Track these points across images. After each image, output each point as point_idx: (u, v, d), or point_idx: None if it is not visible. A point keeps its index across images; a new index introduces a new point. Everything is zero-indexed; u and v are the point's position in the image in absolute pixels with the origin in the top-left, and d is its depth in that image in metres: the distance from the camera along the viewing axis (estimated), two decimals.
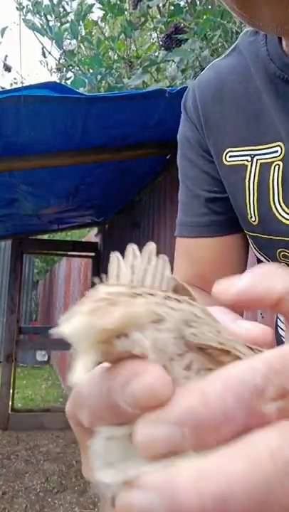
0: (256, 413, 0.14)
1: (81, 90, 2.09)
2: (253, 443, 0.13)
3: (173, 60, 2.06)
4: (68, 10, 2.60)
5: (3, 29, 2.49)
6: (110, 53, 2.55)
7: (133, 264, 0.18)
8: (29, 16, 2.45)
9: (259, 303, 0.18)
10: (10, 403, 4.16)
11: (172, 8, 2.11)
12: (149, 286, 0.17)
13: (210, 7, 1.92)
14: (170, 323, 0.15)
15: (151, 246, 0.18)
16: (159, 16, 2.40)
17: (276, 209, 0.48)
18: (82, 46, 2.68)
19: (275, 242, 0.50)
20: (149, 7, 2.19)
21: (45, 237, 5.36)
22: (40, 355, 8.54)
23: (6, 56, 3.39)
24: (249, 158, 0.50)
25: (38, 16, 2.43)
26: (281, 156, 0.47)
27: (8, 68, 3.36)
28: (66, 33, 2.46)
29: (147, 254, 0.18)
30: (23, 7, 2.42)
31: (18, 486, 2.92)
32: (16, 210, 3.13)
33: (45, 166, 2.14)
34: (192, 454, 0.13)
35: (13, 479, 3.02)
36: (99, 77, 2.21)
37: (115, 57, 2.54)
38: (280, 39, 0.49)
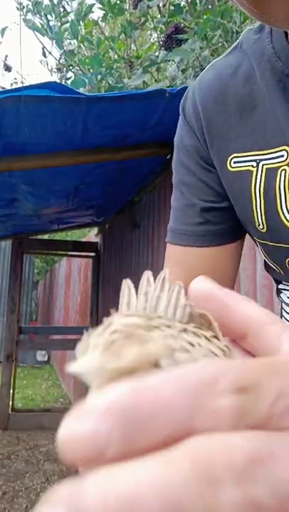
0: (203, 409, 0.11)
1: (81, 90, 2.09)
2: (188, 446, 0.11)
3: (173, 60, 2.06)
4: (68, 10, 2.60)
5: (4, 29, 2.49)
6: (110, 53, 2.55)
7: (147, 291, 0.17)
8: (29, 16, 2.45)
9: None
10: (10, 403, 4.16)
11: (172, 8, 2.11)
12: (164, 316, 0.16)
13: (210, 7, 1.92)
14: (186, 360, 0.14)
15: (164, 273, 0.18)
16: (159, 16, 2.40)
17: (284, 216, 0.46)
18: (82, 46, 2.68)
19: (284, 250, 0.48)
20: (149, 7, 2.19)
21: (46, 237, 5.36)
22: (41, 355, 8.54)
23: (6, 56, 3.39)
24: (255, 164, 0.48)
25: (38, 15, 2.43)
26: (287, 161, 0.45)
27: (8, 68, 3.36)
28: (66, 32, 2.46)
29: (161, 281, 0.18)
30: (24, 7, 2.42)
31: (19, 486, 2.93)
32: (16, 210, 3.13)
33: (46, 166, 2.14)
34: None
35: (14, 479, 3.02)
36: (99, 77, 2.21)
37: (115, 57, 2.54)
38: (286, 36, 0.47)
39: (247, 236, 0.57)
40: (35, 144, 1.97)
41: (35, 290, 11.84)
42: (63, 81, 2.71)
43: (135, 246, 3.10)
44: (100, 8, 2.39)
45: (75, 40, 2.49)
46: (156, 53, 2.30)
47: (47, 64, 3.03)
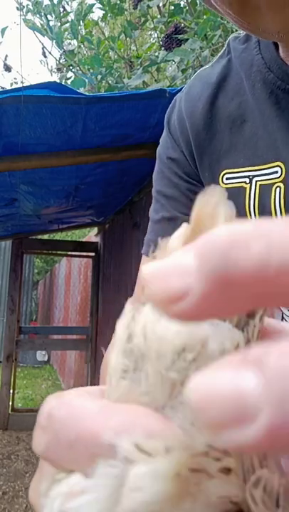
0: None
1: (81, 90, 2.09)
2: None
3: (173, 60, 2.06)
4: (68, 10, 2.60)
5: (4, 29, 2.49)
6: (110, 53, 2.55)
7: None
8: (29, 16, 2.45)
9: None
10: (10, 403, 4.16)
11: (172, 8, 2.11)
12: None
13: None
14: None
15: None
16: (159, 16, 2.40)
17: None
18: (82, 46, 2.68)
19: None
20: (149, 7, 2.19)
21: (46, 237, 5.36)
22: (41, 355, 8.54)
23: (6, 56, 3.39)
24: (247, 180, 0.46)
25: (38, 15, 2.43)
26: (282, 178, 0.43)
27: (8, 68, 3.36)
28: (66, 32, 2.46)
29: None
30: (24, 7, 2.42)
31: (19, 486, 2.92)
32: (16, 210, 3.13)
33: (46, 166, 2.14)
34: None
35: (14, 479, 3.02)
36: (99, 77, 2.21)
37: (115, 57, 2.54)
38: (276, 46, 0.45)
39: None
40: (35, 144, 1.97)
41: (35, 290, 11.84)
42: (63, 81, 2.71)
43: (135, 246, 3.10)
44: (100, 8, 2.40)
45: (75, 40, 2.50)
46: (156, 53, 2.30)
47: (47, 64, 3.03)
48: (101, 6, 2.37)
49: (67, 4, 2.61)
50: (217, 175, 0.49)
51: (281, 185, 0.43)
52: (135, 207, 3.19)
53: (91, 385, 4.23)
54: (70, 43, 2.61)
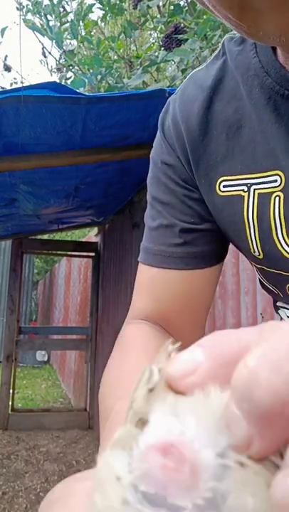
0: None
1: (81, 90, 2.09)
2: None
3: (173, 60, 2.07)
4: (68, 10, 2.60)
5: (3, 29, 2.49)
6: (110, 53, 2.55)
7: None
8: (29, 16, 2.45)
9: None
10: (10, 403, 4.16)
11: (172, 8, 2.11)
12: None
13: None
14: None
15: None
16: (159, 16, 2.40)
17: (281, 245, 0.43)
18: (82, 46, 2.68)
19: (284, 277, 0.46)
20: (149, 7, 2.19)
21: (45, 237, 5.36)
22: (40, 355, 8.54)
23: (6, 56, 3.39)
24: (245, 188, 0.45)
25: (38, 15, 2.43)
26: (281, 187, 0.42)
27: (8, 68, 3.36)
28: (66, 32, 2.46)
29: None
30: (23, 7, 2.42)
31: (18, 486, 2.92)
32: (16, 210, 3.13)
33: (45, 166, 2.14)
34: None
35: (13, 479, 3.02)
36: (99, 77, 2.21)
37: (115, 57, 2.54)
38: (274, 49, 0.43)
39: None
40: (35, 144, 1.97)
41: (35, 290, 11.84)
42: (63, 81, 2.71)
43: (135, 246, 3.10)
44: (100, 8, 2.40)
45: (74, 40, 2.50)
46: (156, 53, 2.30)
47: (47, 64, 3.03)
48: (101, 6, 2.37)
49: (67, 4, 2.61)
50: (214, 182, 0.48)
51: (281, 194, 0.42)
52: (135, 207, 3.19)
53: (91, 385, 4.24)
54: (70, 43, 2.61)
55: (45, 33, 2.44)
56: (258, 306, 1.60)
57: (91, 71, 2.35)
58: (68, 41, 2.61)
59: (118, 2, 2.35)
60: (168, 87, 1.92)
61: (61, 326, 6.83)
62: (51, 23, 2.43)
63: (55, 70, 3.06)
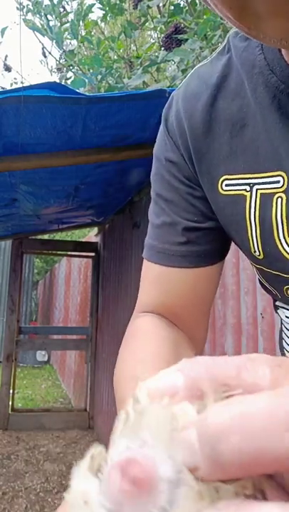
0: None
1: (81, 90, 2.09)
2: None
3: (173, 60, 2.07)
4: (68, 10, 2.60)
5: (4, 29, 2.49)
6: (110, 53, 2.55)
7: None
8: (29, 16, 2.45)
9: None
10: (10, 403, 4.16)
11: (172, 8, 2.11)
12: None
13: None
14: None
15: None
16: (159, 16, 2.40)
17: (282, 247, 0.43)
18: (82, 46, 2.68)
19: (283, 278, 0.46)
20: (149, 7, 2.19)
21: (45, 237, 5.36)
22: (40, 355, 8.54)
23: (6, 56, 3.39)
24: (248, 188, 0.45)
25: (38, 15, 2.43)
26: (284, 188, 0.42)
27: (8, 68, 3.36)
28: (66, 32, 2.46)
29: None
30: (24, 7, 2.42)
31: (18, 486, 2.92)
32: (16, 210, 3.13)
33: (46, 166, 2.14)
34: None
35: (13, 479, 3.02)
36: (99, 77, 2.21)
37: (115, 57, 2.54)
38: None
39: None
40: (35, 144, 1.97)
41: (35, 290, 11.84)
42: (63, 81, 2.71)
43: (135, 246, 3.10)
44: (100, 8, 2.40)
45: (75, 40, 2.50)
46: (156, 53, 2.30)
47: (47, 64, 3.03)
48: (101, 6, 2.37)
49: (67, 4, 2.61)
50: (216, 180, 0.47)
51: (283, 195, 0.42)
52: (135, 207, 3.19)
53: (91, 385, 4.24)
54: (70, 43, 2.61)
55: (45, 33, 2.44)
56: (258, 306, 1.60)
57: (91, 71, 2.35)
58: (68, 41, 2.62)
59: (118, 2, 2.35)
60: (168, 87, 1.92)
61: (61, 326, 6.83)
62: (51, 23, 2.43)
63: (55, 70, 3.06)
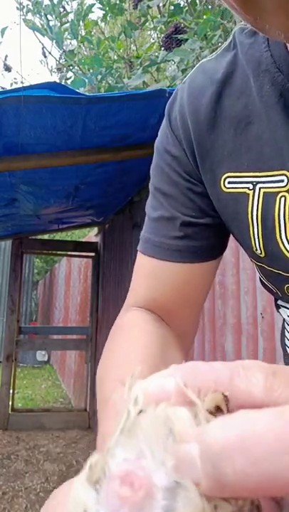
0: None
1: (81, 90, 2.09)
2: None
3: (173, 60, 2.07)
4: (68, 10, 2.60)
5: (4, 29, 2.49)
6: (110, 53, 2.55)
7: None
8: (29, 16, 2.45)
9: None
10: (10, 403, 4.16)
11: (172, 8, 2.10)
12: None
13: (210, 7, 1.92)
14: None
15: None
16: (159, 16, 2.40)
17: (284, 246, 0.43)
18: (82, 46, 2.68)
19: (284, 277, 0.46)
20: (149, 7, 2.19)
21: (46, 237, 5.36)
22: (40, 355, 8.54)
23: (6, 56, 3.39)
24: (251, 186, 0.44)
25: (38, 15, 2.43)
26: (287, 187, 0.42)
27: (8, 68, 3.36)
28: (66, 32, 2.46)
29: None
30: (24, 7, 2.42)
31: (18, 486, 2.92)
32: (16, 210, 3.13)
33: (46, 166, 2.14)
34: None
35: (13, 479, 3.02)
36: (99, 77, 2.21)
37: (115, 57, 2.54)
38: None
39: None
40: (35, 144, 1.97)
41: (35, 290, 11.84)
42: (63, 81, 2.71)
43: (135, 246, 3.09)
44: (100, 8, 2.40)
45: (75, 40, 2.50)
46: (156, 53, 2.30)
47: (47, 64, 3.03)
48: (101, 6, 2.37)
49: (68, 4, 2.61)
50: (219, 178, 0.47)
51: (286, 195, 0.42)
52: (135, 207, 3.19)
53: (91, 385, 4.23)
54: (70, 43, 2.61)
55: (45, 33, 2.44)
56: (258, 306, 1.60)
57: (91, 71, 2.34)
58: (68, 41, 2.61)
59: (118, 2, 2.35)
60: (168, 87, 1.92)
61: (61, 326, 6.83)
62: (51, 23, 2.43)
63: (55, 70, 3.06)
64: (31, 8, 2.41)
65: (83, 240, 5.87)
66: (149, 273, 0.52)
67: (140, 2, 2.20)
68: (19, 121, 1.71)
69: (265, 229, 0.44)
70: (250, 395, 0.16)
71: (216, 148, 0.47)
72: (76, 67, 2.61)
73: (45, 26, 2.43)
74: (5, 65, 3.40)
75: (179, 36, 1.88)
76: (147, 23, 2.45)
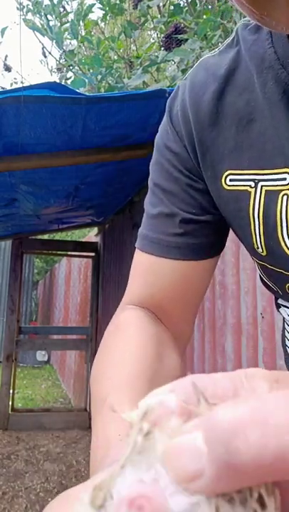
0: None
1: (81, 90, 2.09)
2: None
3: (173, 60, 2.07)
4: (68, 10, 2.60)
5: (4, 29, 2.49)
6: (110, 53, 2.55)
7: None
8: (29, 16, 2.45)
9: None
10: (10, 403, 4.16)
11: (172, 8, 2.10)
12: None
13: (210, 7, 1.92)
14: None
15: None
16: (159, 16, 2.40)
17: (285, 244, 0.43)
18: (82, 46, 2.68)
19: (285, 276, 0.45)
20: (149, 7, 2.19)
21: (45, 237, 5.36)
22: (40, 355, 8.54)
23: (6, 56, 3.39)
24: (253, 184, 0.44)
25: (38, 15, 2.43)
26: None
27: (8, 68, 3.36)
28: (66, 32, 2.46)
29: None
30: (24, 7, 2.42)
31: (18, 486, 2.92)
32: (16, 210, 3.13)
33: (46, 166, 2.14)
34: None
35: (13, 479, 3.02)
36: (99, 77, 2.21)
37: (115, 57, 2.54)
38: None
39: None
40: (35, 144, 1.97)
41: (35, 290, 11.84)
42: (63, 81, 2.71)
43: (135, 246, 3.10)
44: (100, 8, 2.40)
45: (75, 40, 2.50)
46: (156, 53, 2.30)
47: (47, 64, 3.03)
48: (101, 6, 2.37)
49: (68, 4, 2.61)
50: (220, 175, 0.47)
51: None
52: (135, 207, 3.19)
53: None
54: (70, 43, 2.61)
55: (45, 33, 2.44)
56: (258, 306, 1.60)
57: (91, 71, 2.34)
58: (68, 41, 2.61)
59: (118, 2, 2.35)
60: (168, 87, 1.92)
61: (61, 326, 6.83)
62: (51, 23, 2.43)
63: (55, 70, 3.06)
64: (31, 8, 2.41)
65: (83, 239, 5.87)
66: (146, 270, 0.52)
67: (140, 2, 2.20)
68: (19, 121, 1.71)
69: (266, 227, 0.44)
70: None
71: (217, 145, 0.46)
72: (76, 67, 2.61)
73: (45, 26, 2.43)
74: (5, 65, 3.40)
75: (179, 36, 1.88)
76: (147, 23, 2.44)
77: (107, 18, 2.51)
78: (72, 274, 6.36)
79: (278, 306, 0.55)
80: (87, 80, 2.22)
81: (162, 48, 2.04)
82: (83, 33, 2.52)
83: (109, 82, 2.26)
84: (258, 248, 0.46)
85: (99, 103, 1.69)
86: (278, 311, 0.56)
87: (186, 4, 2.04)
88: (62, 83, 2.41)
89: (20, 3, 2.41)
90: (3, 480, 3.00)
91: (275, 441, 0.12)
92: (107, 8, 2.34)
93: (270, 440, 0.12)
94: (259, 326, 1.58)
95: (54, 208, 3.22)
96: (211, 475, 0.13)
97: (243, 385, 0.15)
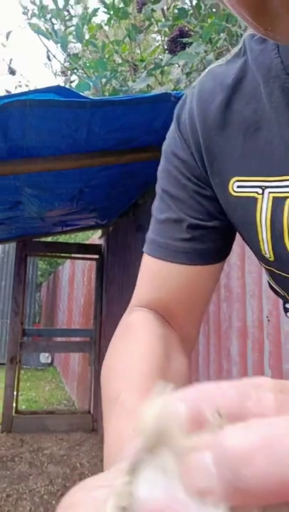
0: None
1: (86, 93, 2.10)
2: None
3: (177, 64, 2.07)
4: (73, 14, 2.61)
5: (9, 33, 2.50)
6: (115, 57, 2.56)
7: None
8: (34, 20, 2.46)
9: None
10: (14, 405, 4.16)
11: (177, 11, 2.11)
12: None
13: (215, 10, 1.92)
14: None
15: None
16: (163, 20, 2.40)
17: None
18: (86, 50, 2.69)
19: None
20: (153, 10, 2.20)
21: (49, 239, 5.38)
22: (44, 358, 8.55)
23: (11, 59, 3.41)
24: (260, 191, 0.45)
25: (43, 19, 2.44)
26: None
27: (13, 71, 3.38)
28: (71, 36, 2.47)
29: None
30: (29, 11, 2.44)
31: (22, 488, 2.92)
32: (20, 212, 3.15)
33: (50, 169, 2.15)
34: None
35: (17, 482, 3.02)
36: (104, 80, 2.22)
37: (120, 60, 2.55)
38: None
39: None
40: (40, 148, 1.98)
41: (39, 292, 11.86)
42: (68, 84, 2.72)
43: (139, 248, 3.10)
44: (105, 12, 2.41)
45: (79, 44, 2.51)
46: (161, 56, 2.30)
47: (51, 67, 3.04)
48: (105, 10, 2.38)
49: (72, 8, 2.62)
50: (227, 182, 0.47)
51: None
52: (139, 209, 3.19)
53: (95, 387, 4.23)
54: (74, 47, 2.62)
55: (50, 37, 2.45)
56: (264, 309, 1.60)
57: (96, 74, 2.35)
58: (73, 45, 2.63)
59: (123, 6, 2.36)
60: (172, 90, 1.92)
61: (65, 328, 6.83)
62: (56, 27, 2.44)
63: (60, 74, 3.08)
64: (36, 12, 2.42)
65: (87, 242, 5.88)
66: (154, 274, 0.53)
67: (144, 6, 2.21)
68: (24, 125, 1.72)
69: (273, 233, 0.44)
70: (263, 418, 0.15)
71: (224, 153, 0.47)
72: (81, 71, 2.62)
73: (50, 30, 2.44)
74: (9, 68, 3.42)
75: (184, 40, 1.88)
76: (152, 27, 2.45)
77: (112, 21, 2.52)
78: (76, 276, 6.37)
79: (286, 310, 0.55)
80: (91, 83, 2.23)
81: (167, 52, 2.05)
82: (88, 37, 2.53)
83: (114, 85, 2.26)
84: (265, 254, 0.46)
85: (103, 107, 1.69)
86: (286, 315, 0.56)
87: (190, 8, 2.05)
88: (67, 86, 2.41)
89: (26, 8, 2.42)
90: (7, 482, 3.00)
91: (282, 469, 0.13)
92: (112, 12, 2.35)
93: (277, 468, 0.13)
94: (265, 330, 1.58)
95: (58, 211, 3.23)
96: (220, 494, 0.14)
97: (251, 397, 0.16)
